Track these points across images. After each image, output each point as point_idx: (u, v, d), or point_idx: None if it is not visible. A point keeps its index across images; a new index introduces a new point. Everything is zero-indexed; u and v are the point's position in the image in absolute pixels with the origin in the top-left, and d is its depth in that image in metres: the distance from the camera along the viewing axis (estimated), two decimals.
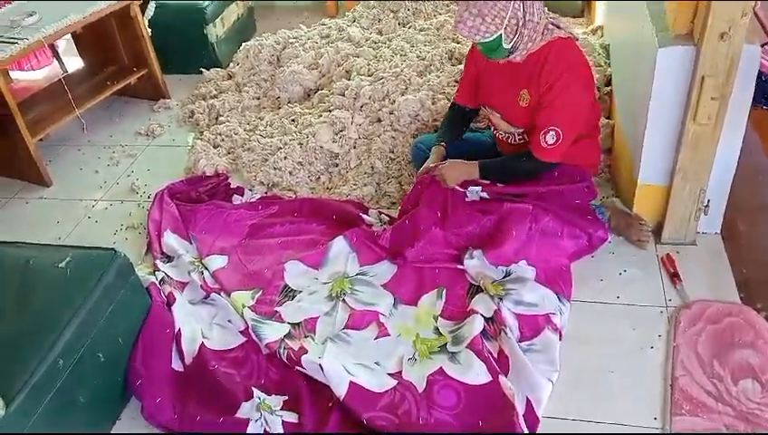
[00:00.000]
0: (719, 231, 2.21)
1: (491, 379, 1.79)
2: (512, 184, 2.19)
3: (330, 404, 1.81)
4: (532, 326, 1.93)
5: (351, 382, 1.81)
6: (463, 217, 2.18)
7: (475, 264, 2.11)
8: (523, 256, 2.08)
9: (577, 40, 2.07)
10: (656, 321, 1.95)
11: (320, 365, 1.83)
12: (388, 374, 1.87)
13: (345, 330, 2.00)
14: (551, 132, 2.02)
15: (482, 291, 2.05)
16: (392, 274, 2.17)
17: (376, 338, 1.98)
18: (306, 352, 1.90)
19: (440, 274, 2.15)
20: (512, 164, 2.18)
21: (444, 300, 2.07)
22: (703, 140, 1.96)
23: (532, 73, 2.03)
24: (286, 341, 1.96)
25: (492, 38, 1.91)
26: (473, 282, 2.10)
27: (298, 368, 1.88)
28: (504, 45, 1.95)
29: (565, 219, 2.12)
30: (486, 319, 1.95)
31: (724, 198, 2.13)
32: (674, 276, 2.07)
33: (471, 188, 2.21)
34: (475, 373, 1.81)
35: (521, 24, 1.93)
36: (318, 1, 4.27)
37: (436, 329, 2.00)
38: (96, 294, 1.75)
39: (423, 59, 2.93)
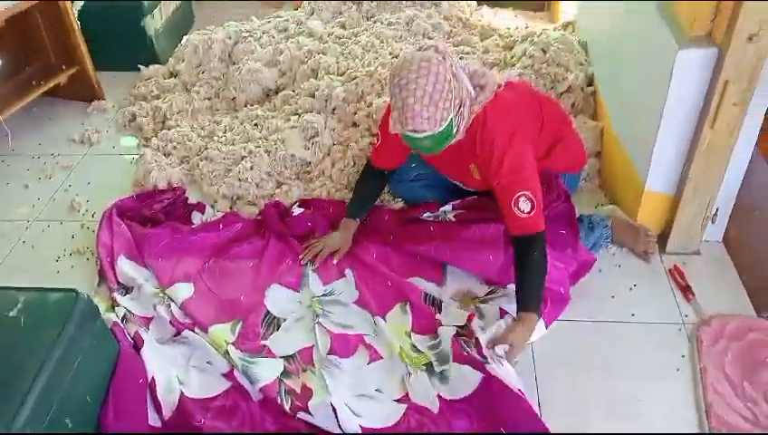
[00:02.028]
0: (721, 239, 2.14)
1: (483, 375, 1.65)
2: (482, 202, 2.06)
3: None
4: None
5: (362, 427, 1.61)
6: (420, 234, 2.07)
7: (456, 274, 1.98)
8: (508, 279, 1.91)
9: (500, 86, 1.83)
10: (676, 340, 1.85)
11: (332, 406, 1.62)
12: (395, 401, 1.69)
13: (333, 356, 1.79)
14: (521, 199, 1.74)
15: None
16: (356, 293, 1.99)
17: (369, 363, 1.80)
18: (311, 392, 1.69)
19: (394, 288, 1.97)
20: (533, 276, 1.75)
21: (410, 314, 1.91)
22: (718, 147, 1.87)
23: (472, 149, 1.83)
24: (285, 381, 1.73)
25: (446, 124, 1.68)
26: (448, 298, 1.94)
27: (301, 415, 1.65)
28: (454, 132, 1.74)
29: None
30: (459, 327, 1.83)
31: (731, 206, 2.06)
32: (686, 290, 1.98)
33: (442, 208, 2.10)
34: (467, 381, 1.67)
35: (464, 102, 1.73)
36: None
37: (413, 346, 1.83)
38: (59, 350, 1.46)
39: (396, 56, 2.71)
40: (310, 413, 1.64)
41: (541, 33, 2.81)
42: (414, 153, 2.23)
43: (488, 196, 2.06)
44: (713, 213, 2.03)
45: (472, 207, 2.09)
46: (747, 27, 1.64)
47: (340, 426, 1.61)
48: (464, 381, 1.68)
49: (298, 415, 1.66)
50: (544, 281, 1.76)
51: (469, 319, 1.82)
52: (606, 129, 2.41)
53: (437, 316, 1.88)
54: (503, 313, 1.84)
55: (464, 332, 1.81)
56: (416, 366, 1.76)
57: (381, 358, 1.81)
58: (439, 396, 1.69)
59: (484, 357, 1.68)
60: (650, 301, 1.96)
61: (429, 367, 1.77)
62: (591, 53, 2.72)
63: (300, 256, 2.09)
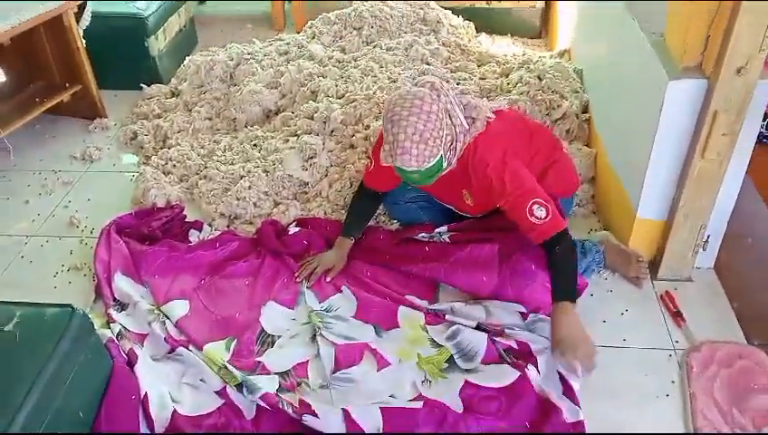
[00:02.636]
0: (713, 266, 2.16)
1: (519, 374, 1.74)
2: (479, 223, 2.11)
3: None
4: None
5: (382, 409, 1.68)
6: (414, 254, 2.12)
7: (448, 292, 2.03)
8: (501, 297, 1.97)
9: (489, 121, 1.87)
10: (666, 365, 1.87)
11: (342, 410, 1.66)
12: (410, 401, 1.72)
13: (342, 370, 1.81)
14: (535, 207, 1.79)
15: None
16: (356, 305, 2.02)
17: (378, 370, 1.82)
18: (309, 407, 1.70)
19: (395, 300, 2.03)
20: (560, 270, 1.82)
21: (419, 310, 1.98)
22: (708, 175, 1.90)
23: (464, 177, 1.90)
24: (281, 396, 1.75)
25: (435, 161, 1.73)
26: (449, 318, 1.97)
27: (307, 417, 1.67)
28: (443, 166, 1.79)
29: (537, 256, 1.97)
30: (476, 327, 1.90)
31: (722, 233, 2.08)
32: (677, 316, 2.00)
33: (437, 230, 2.15)
34: (501, 376, 1.74)
35: (455, 138, 1.78)
36: (263, 1, 4.05)
37: (432, 341, 1.88)
38: (53, 365, 1.47)
39: (394, 81, 2.75)
40: (317, 416, 1.66)
41: (537, 61, 2.86)
42: None
43: (483, 219, 2.10)
44: (704, 240, 2.05)
45: (467, 230, 2.12)
46: (735, 60, 1.68)
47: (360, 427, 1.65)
48: (496, 375, 1.75)
49: (303, 418, 1.67)
50: (575, 272, 1.83)
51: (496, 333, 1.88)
52: (600, 155, 2.44)
53: (449, 318, 1.94)
54: (525, 316, 1.91)
55: (490, 332, 1.87)
56: (435, 374, 1.79)
57: (390, 364, 1.83)
58: (468, 382, 1.74)
59: (527, 363, 1.75)
60: (641, 326, 1.98)
61: (451, 363, 1.81)
62: (586, 80, 2.77)
63: (295, 274, 2.11)
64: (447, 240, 2.11)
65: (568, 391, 1.71)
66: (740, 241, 2.20)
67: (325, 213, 2.36)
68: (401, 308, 1.98)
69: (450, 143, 1.78)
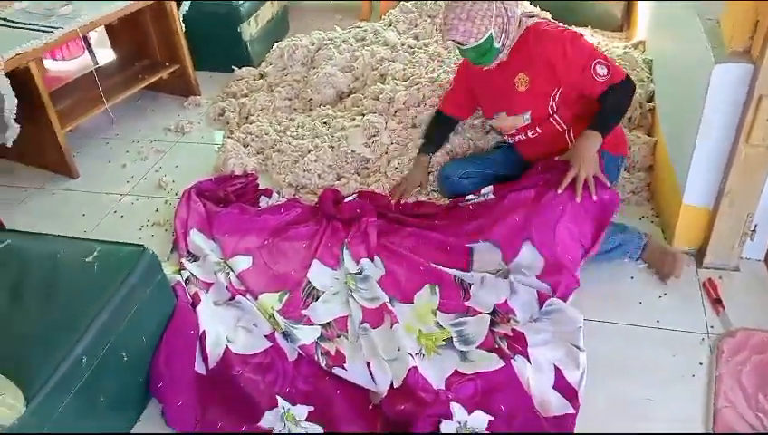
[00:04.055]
0: (763, 258, 2.13)
1: (504, 364, 1.80)
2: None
3: (370, 406, 1.80)
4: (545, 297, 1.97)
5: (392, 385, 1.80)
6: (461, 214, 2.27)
7: (480, 248, 2.12)
8: (526, 234, 2.02)
9: (549, 23, 2.14)
10: (697, 348, 1.88)
11: (368, 364, 1.83)
12: (408, 353, 1.84)
13: (365, 324, 1.97)
14: (597, 67, 2.02)
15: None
16: (382, 273, 2.16)
17: (391, 326, 1.95)
18: (344, 357, 1.88)
19: (426, 272, 2.13)
20: (606, 106, 2.05)
21: (438, 295, 2.07)
22: (755, 162, 1.89)
23: (522, 58, 2.09)
24: (321, 344, 1.94)
25: (484, 39, 1.98)
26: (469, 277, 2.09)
27: (336, 370, 1.85)
28: (495, 45, 2.02)
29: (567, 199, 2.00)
30: (490, 312, 1.97)
31: None
32: (716, 303, 1.99)
33: (483, 190, 2.27)
34: (487, 363, 1.82)
35: (506, 21, 2.01)
36: (351, 1, 4.26)
37: (437, 323, 1.99)
38: (122, 292, 1.71)
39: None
40: (345, 369, 1.84)
41: (605, 50, 2.87)
42: (467, 155, 2.40)
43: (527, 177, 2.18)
44: (751, 229, 2.03)
45: (509, 186, 2.22)
46: None
47: (374, 381, 1.80)
48: (485, 362, 1.83)
49: (333, 370, 1.85)
50: (618, 113, 2.08)
51: (499, 306, 1.97)
52: (659, 144, 2.44)
53: (466, 303, 2.03)
54: (543, 296, 1.95)
55: (497, 318, 1.95)
56: (431, 349, 1.90)
57: (398, 322, 1.95)
58: (456, 372, 1.82)
59: (514, 354, 1.82)
60: (678, 310, 2.00)
61: (449, 343, 1.91)
62: (655, 71, 2.76)
63: (389, 194, 2.45)
64: (492, 196, 2.22)
65: (560, 384, 1.75)
66: None
67: (383, 188, 2.51)
68: (420, 293, 2.08)
69: (501, 25, 2.00)
